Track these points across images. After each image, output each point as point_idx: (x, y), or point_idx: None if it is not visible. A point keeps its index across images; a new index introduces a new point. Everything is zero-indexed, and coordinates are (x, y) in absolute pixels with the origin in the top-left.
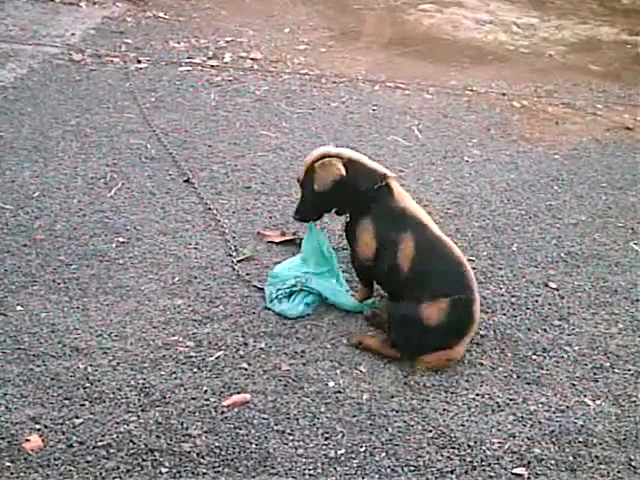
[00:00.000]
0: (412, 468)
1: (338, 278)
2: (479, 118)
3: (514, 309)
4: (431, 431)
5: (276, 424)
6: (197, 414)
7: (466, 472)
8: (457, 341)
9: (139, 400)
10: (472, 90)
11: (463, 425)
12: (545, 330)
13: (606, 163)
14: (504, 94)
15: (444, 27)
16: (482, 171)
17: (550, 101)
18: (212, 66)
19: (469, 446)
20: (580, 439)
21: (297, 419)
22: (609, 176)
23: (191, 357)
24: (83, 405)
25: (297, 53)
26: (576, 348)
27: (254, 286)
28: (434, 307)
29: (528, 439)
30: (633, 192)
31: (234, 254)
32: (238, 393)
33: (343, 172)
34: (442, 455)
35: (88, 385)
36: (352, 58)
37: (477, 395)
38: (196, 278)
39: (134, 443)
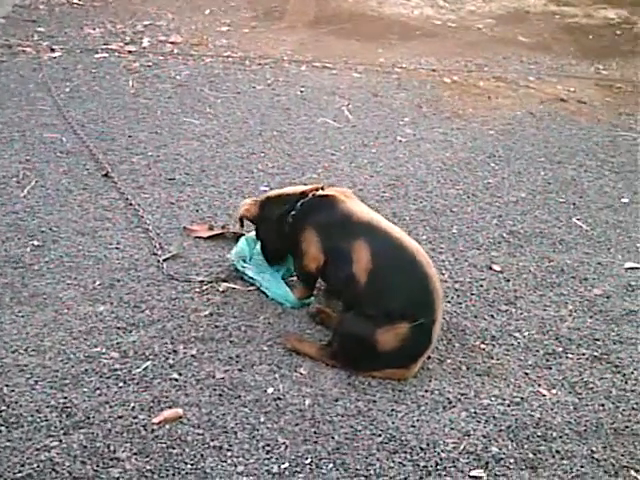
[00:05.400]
0: (362, 478)
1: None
2: (410, 96)
3: (459, 295)
4: (380, 435)
5: (212, 439)
6: (125, 434)
7: (421, 478)
8: (410, 364)
9: (61, 422)
10: (401, 67)
11: (414, 426)
12: (492, 316)
13: (542, 137)
14: (434, 70)
15: (369, 3)
16: (416, 151)
17: (481, 75)
18: (130, 52)
19: (422, 449)
20: (538, 433)
21: (235, 432)
22: (546, 150)
23: (116, 370)
24: None
25: (219, 35)
26: (526, 334)
27: (186, 281)
28: (391, 333)
29: (484, 437)
30: (572, 166)
31: (159, 252)
32: (169, 407)
33: (250, 210)
34: (394, 461)
35: (4, 408)
36: (276, 38)
37: (426, 391)
38: (119, 281)
39: (57, 472)
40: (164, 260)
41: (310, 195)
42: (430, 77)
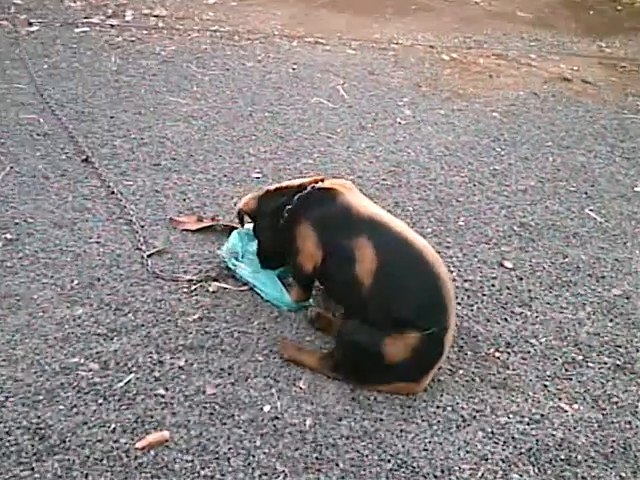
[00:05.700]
0: None
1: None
2: (408, 74)
3: (469, 296)
4: (389, 461)
5: (202, 467)
6: (105, 461)
7: None
8: (420, 377)
9: (33, 446)
10: (397, 43)
11: (426, 449)
12: (506, 320)
13: (548, 119)
14: (432, 46)
15: None
16: (417, 134)
17: (481, 52)
18: (112, 26)
19: (436, 477)
20: (562, 456)
21: (228, 458)
22: (553, 134)
23: (95, 384)
24: None
25: (206, 8)
26: (543, 340)
27: (173, 280)
28: (400, 343)
29: (503, 462)
30: (581, 151)
31: (143, 247)
32: (154, 429)
33: (248, 204)
34: None
35: None
36: (267, 12)
37: (438, 407)
38: (99, 280)
39: None
40: (149, 256)
41: (309, 188)
42: (428, 54)
